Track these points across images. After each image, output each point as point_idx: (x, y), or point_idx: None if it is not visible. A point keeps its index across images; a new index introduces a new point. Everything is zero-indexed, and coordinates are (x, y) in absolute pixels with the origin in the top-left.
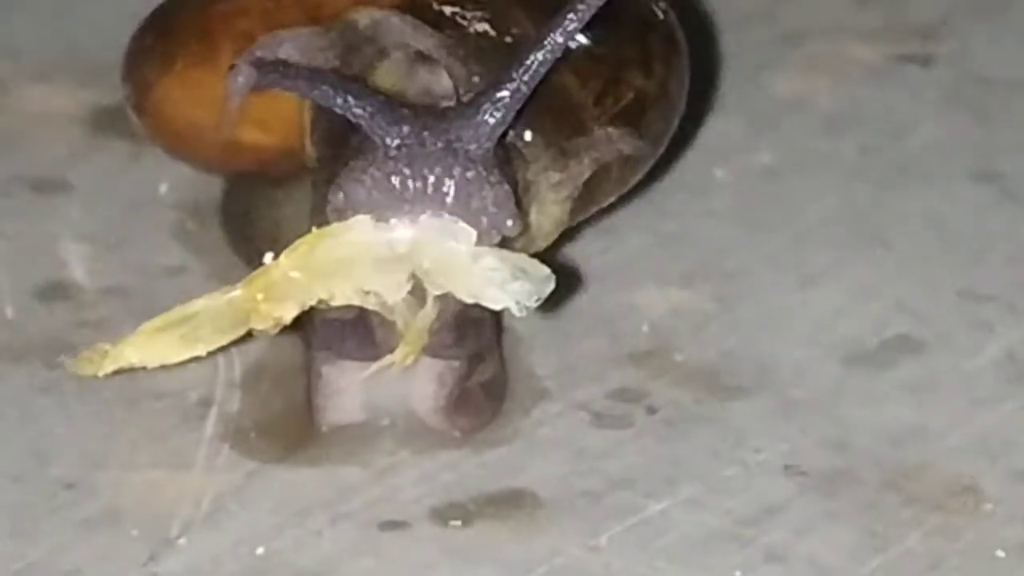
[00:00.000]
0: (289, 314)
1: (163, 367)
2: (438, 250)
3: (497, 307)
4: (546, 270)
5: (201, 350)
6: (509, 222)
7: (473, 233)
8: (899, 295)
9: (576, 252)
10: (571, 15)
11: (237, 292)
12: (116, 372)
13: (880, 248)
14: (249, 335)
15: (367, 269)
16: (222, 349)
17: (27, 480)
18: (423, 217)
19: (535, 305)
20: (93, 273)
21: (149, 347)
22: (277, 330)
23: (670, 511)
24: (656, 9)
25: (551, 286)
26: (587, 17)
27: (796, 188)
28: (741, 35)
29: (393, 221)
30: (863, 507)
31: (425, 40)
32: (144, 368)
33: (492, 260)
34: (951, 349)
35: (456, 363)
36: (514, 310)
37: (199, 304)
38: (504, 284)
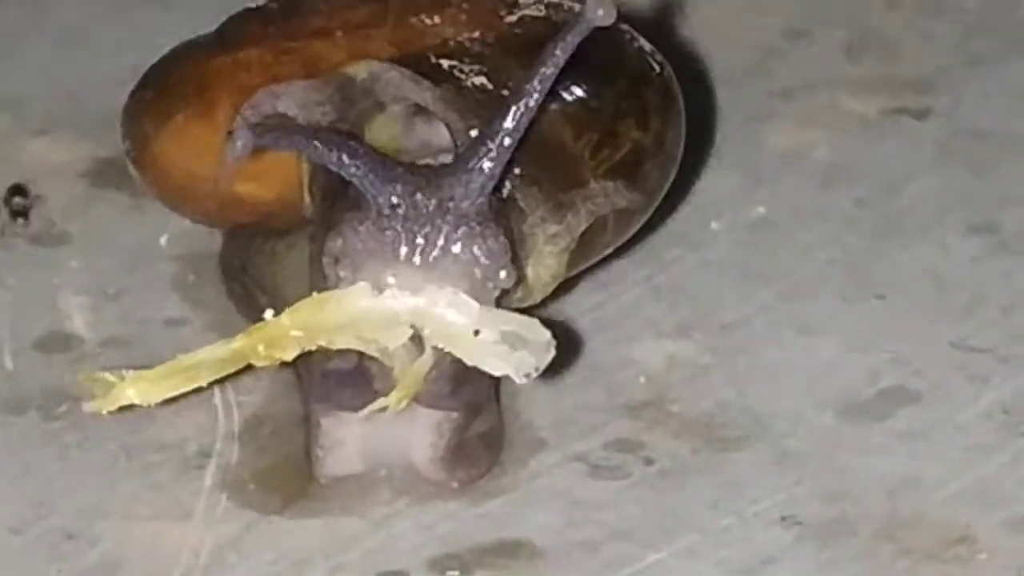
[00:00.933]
0: (290, 356)
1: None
2: (439, 320)
3: (498, 374)
4: (547, 336)
5: (202, 381)
6: (503, 273)
7: (475, 306)
8: (894, 346)
9: (573, 304)
10: (547, 62)
11: (238, 344)
12: (117, 418)
13: (875, 300)
14: (250, 378)
15: (368, 330)
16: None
17: (28, 530)
18: (426, 287)
19: (536, 374)
20: (93, 324)
21: (150, 391)
22: (276, 364)
23: (667, 561)
24: (652, 63)
25: (552, 354)
26: (562, 63)
27: (792, 240)
28: (736, 89)
29: (394, 287)
30: (859, 557)
31: (423, 93)
32: (146, 407)
33: (493, 333)
34: (946, 400)
35: (454, 414)
36: (515, 379)
37: (200, 355)
38: (505, 354)
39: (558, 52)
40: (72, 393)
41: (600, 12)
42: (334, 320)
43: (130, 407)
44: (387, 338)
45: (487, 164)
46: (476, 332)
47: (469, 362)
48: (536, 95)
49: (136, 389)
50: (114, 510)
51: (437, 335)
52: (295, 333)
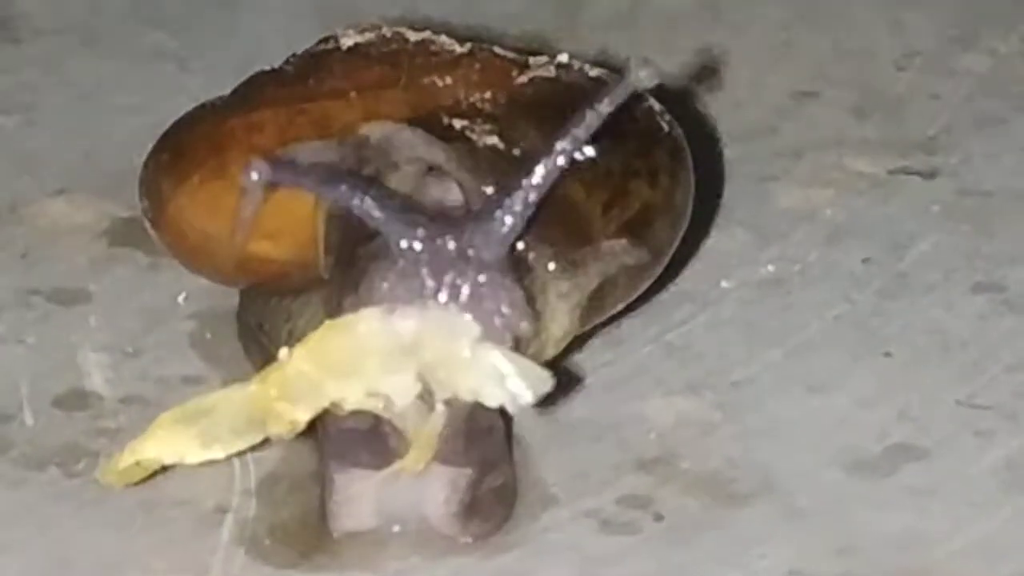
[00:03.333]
0: (304, 417)
1: (180, 474)
2: (440, 342)
3: (494, 404)
4: (544, 372)
5: (219, 452)
6: (523, 324)
7: (477, 327)
8: (901, 404)
9: (584, 361)
10: (579, 124)
11: (252, 388)
12: (135, 479)
13: (882, 357)
14: (266, 441)
15: (375, 364)
16: (239, 455)
17: None
18: (429, 310)
19: (531, 404)
20: (111, 382)
21: (167, 442)
22: (293, 435)
23: None
24: (662, 122)
25: (549, 386)
26: (595, 126)
27: (800, 299)
28: (745, 148)
29: (399, 313)
30: None
31: (436, 153)
32: (162, 468)
33: (492, 357)
34: (952, 456)
35: (468, 470)
36: (510, 408)
37: (215, 398)
38: (502, 381)
39: (594, 113)
40: (91, 449)
41: (643, 74)
42: (343, 350)
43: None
44: (395, 392)
45: (509, 218)
46: (475, 355)
47: (468, 395)
48: (566, 154)
49: (153, 441)
50: (132, 566)
51: (437, 360)
52: (305, 367)
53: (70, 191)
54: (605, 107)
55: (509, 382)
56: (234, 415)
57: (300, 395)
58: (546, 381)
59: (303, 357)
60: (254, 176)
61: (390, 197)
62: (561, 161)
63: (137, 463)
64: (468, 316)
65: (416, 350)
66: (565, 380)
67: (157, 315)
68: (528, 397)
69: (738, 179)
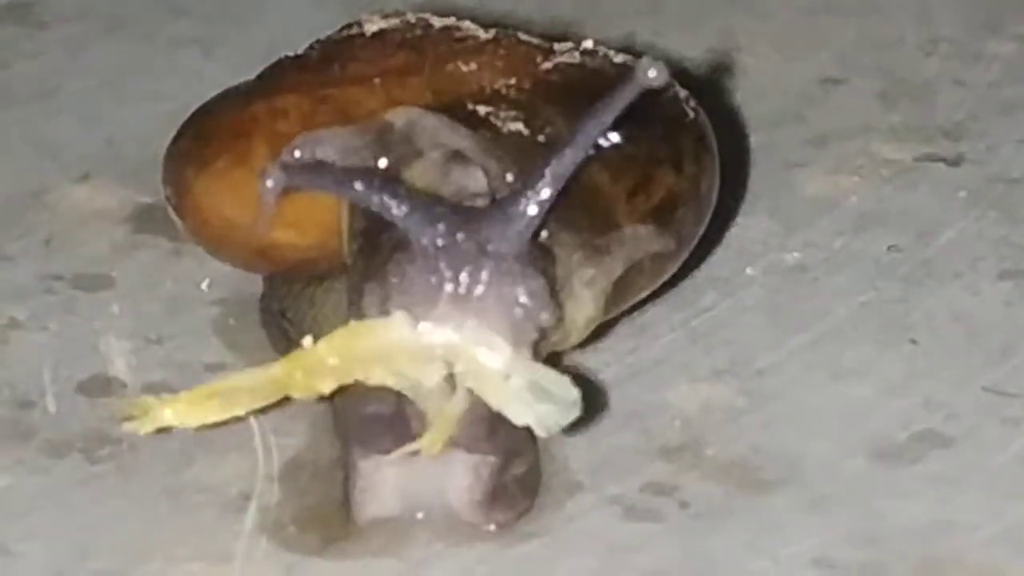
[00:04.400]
0: (327, 388)
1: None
2: (472, 358)
3: (520, 423)
4: (575, 394)
5: (239, 411)
6: (544, 315)
7: (508, 350)
8: (927, 391)
9: (608, 348)
10: (600, 114)
11: (275, 370)
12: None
13: (908, 345)
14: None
15: (403, 363)
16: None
17: (68, 573)
18: (464, 324)
19: (558, 430)
20: (134, 369)
21: (188, 413)
22: (314, 398)
23: None
24: (687, 109)
25: (576, 413)
26: (616, 114)
27: (825, 286)
28: (771, 135)
29: (431, 321)
30: None
31: (460, 140)
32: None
33: (522, 380)
34: (978, 444)
35: (491, 457)
36: (538, 431)
37: (239, 379)
38: (530, 404)
39: (606, 110)
40: (113, 436)
41: (652, 74)
42: (370, 350)
43: (168, 433)
44: (421, 375)
45: (528, 210)
46: (507, 377)
47: (494, 406)
48: (580, 150)
49: (173, 410)
50: (155, 552)
51: (467, 373)
52: (332, 362)
53: (93, 177)
54: (617, 102)
55: (538, 407)
56: (255, 389)
57: (324, 377)
58: (574, 407)
59: (328, 351)
60: (269, 184)
61: (407, 192)
62: (581, 152)
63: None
64: (489, 309)
65: (447, 361)
66: (587, 376)
67: (180, 301)
68: (555, 424)
69: (763, 166)
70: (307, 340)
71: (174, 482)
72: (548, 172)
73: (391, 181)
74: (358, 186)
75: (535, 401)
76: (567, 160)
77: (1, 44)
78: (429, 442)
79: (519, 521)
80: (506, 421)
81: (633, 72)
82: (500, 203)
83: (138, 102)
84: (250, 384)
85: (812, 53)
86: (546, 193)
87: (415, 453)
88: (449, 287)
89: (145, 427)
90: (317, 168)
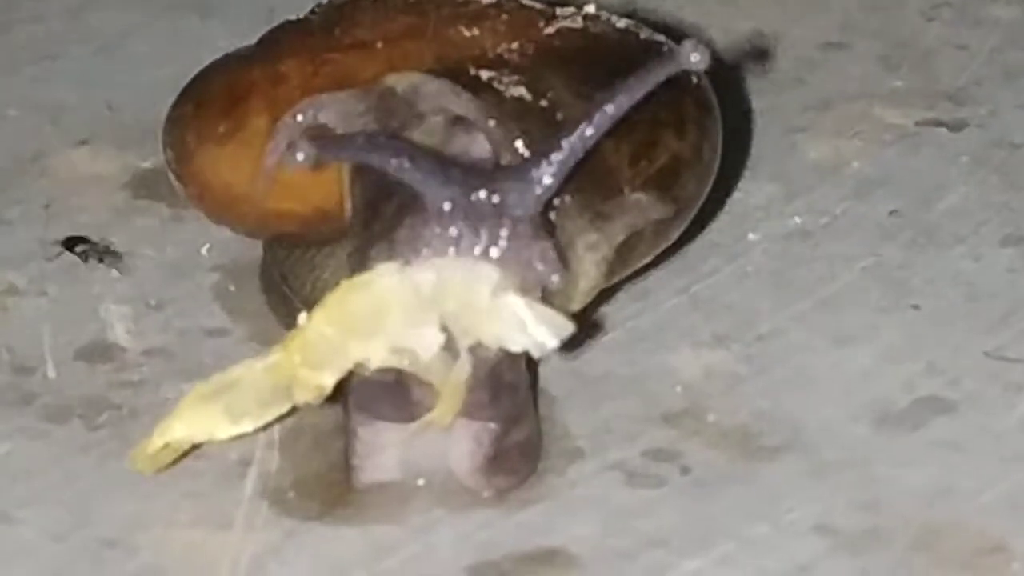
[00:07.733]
0: (329, 382)
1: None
2: (461, 290)
3: (517, 349)
4: (565, 318)
5: (248, 426)
6: (555, 277)
7: (495, 274)
8: (929, 356)
9: (610, 314)
10: (633, 89)
11: (275, 358)
12: (166, 463)
13: (910, 310)
14: (294, 409)
15: (397, 319)
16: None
17: (68, 539)
18: (446, 260)
19: (554, 348)
20: (134, 334)
21: (194, 420)
22: (320, 401)
23: (703, 570)
24: (689, 75)
25: (570, 330)
26: (648, 90)
27: (827, 251)
28: (773, 100)
29: (417, 265)
30: (893, 566)
31: (463, 104)
32: (192, 447)
33: (512, 304)
34: (980, 409)
35: (492, 424)
36: (534, 353)
37: (238, 370)
38: (524, 327)
39: (639, 86)
40: (113, 402)
41: (695, 58)
42: (363, 306)
43: (171, 400)
44: (419, 346)
45: (547, 179)
46: (497, 299)
47: (492, 342)
48: (607, 122)
49: (181, 422)
50: (155, 519)
51: (459, 309)
52: (327, 331)
53: (93, 142)
54: (652, 78)
55: (531, 328)
56: (259, 386)
57: (324, 359)
58: (567, 326)
59: (323, 319)
60: (300, 158)
61: (425, 155)
62: (603, 126)
63: (166, 445)
64: (493, 266)
65: (437, 301)
66: (591, 333)
67: (180, 267)
68: (551, 342)
69: (766, 131)
70: (302, 316)
71: None
72: (571, 141)
73: (407, 143)
74: (378, 152)
75: (529, 323)
76: (592, 131)
77: (1, 8)
78: (441, 413)
79: (520, 487)
80: (507, 388)
81: (675, 52)
82: (517, 167)
83: (138, 67)
84: (251, 379)
85: (814, 17)
86: (564, 165)
87: (427, 427)
88: (461, 247)
89: (165, 460)
90: (339, 139)
